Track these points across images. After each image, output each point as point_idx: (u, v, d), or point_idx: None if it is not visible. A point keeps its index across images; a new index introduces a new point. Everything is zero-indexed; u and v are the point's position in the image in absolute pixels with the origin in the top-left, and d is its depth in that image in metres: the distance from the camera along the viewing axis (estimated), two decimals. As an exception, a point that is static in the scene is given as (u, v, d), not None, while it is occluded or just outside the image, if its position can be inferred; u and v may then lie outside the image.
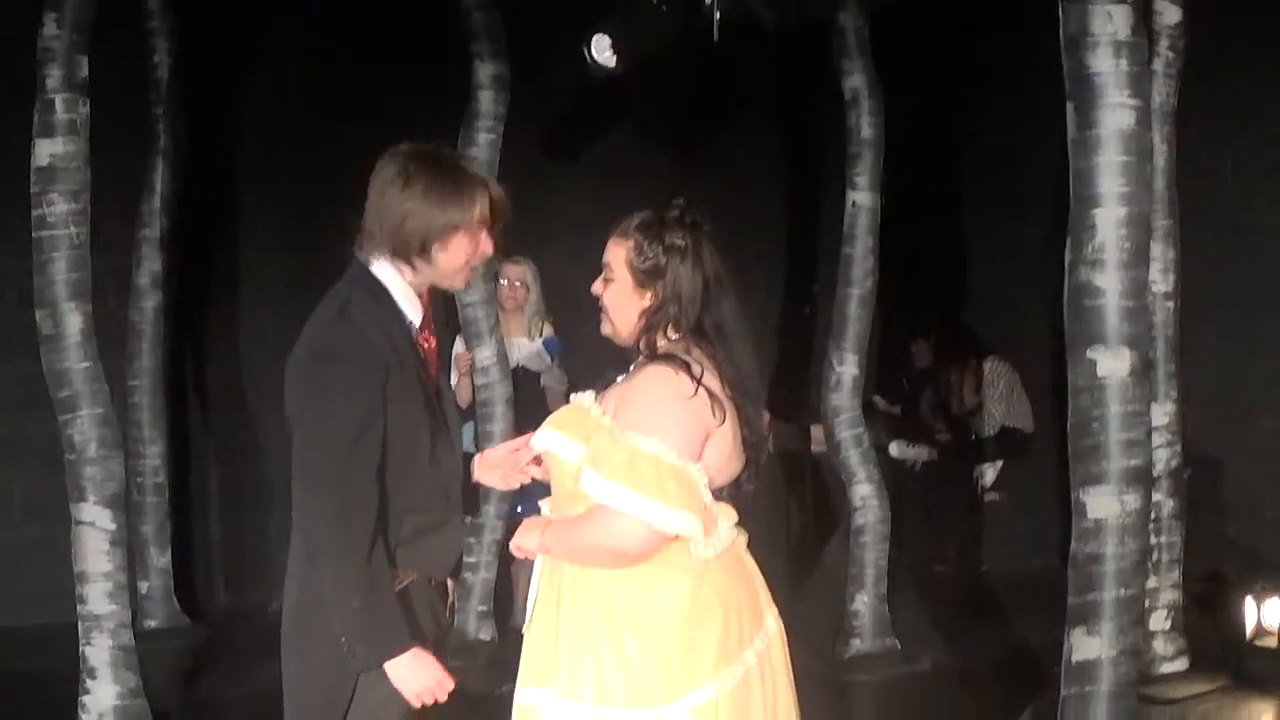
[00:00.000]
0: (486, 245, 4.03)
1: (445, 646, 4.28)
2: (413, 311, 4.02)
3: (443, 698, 3.95)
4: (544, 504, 4.11)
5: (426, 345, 4.08)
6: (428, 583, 4.10)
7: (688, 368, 3.81)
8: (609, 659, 3.79)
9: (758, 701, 3.92)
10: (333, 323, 3.87)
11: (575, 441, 3.86)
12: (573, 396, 4.09)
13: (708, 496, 3.85)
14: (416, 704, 3.92)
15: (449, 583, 4.30)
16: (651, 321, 3.93)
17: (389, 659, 3.83)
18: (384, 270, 3.98)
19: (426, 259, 3.95)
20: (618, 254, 3.96)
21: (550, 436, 3.94)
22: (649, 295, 3.92)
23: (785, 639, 4.09)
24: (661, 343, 3.93)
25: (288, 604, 4.10)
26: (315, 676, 4.01)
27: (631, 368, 3.99)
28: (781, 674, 4.05)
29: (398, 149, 4.01)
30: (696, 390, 3.79)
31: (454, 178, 3.97)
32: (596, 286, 4.02)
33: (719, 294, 3.93)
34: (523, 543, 4.01)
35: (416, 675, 3.88)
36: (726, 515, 3.97)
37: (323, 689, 3.98)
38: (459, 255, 3.98)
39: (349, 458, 3.76)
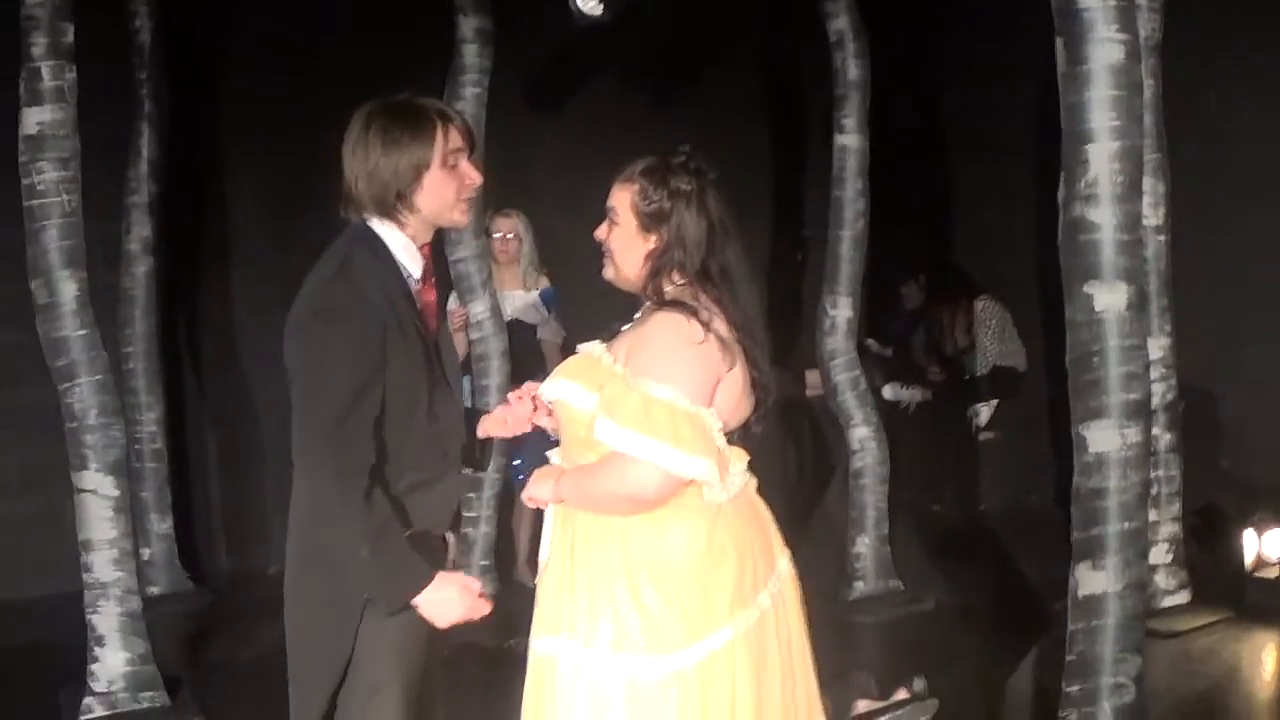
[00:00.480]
0: (471, 173, 4.03)
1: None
2: (413, 265, 4.02)
3: (477, 619, 3.98)
4: (553, 454, 4.13)
5: (427, 299, 4.08)
6: (425, 537, 4.09)
7: (696, 313, 3.84)
8: (626, 605, 3.83)
9: (773, 643, 3.97)
10: (332, 280, 3.87)
11: (588, 390, 3.88)
12: (580, 346, 4.10)
13: (721, 440, 3.89)
14: (446, 625, 3.95)
15: (449, 538, 4.31)
16: (657, 265, 3.96)
17: (414, 595, 3.86)
18: (381, 226, 3.99)
19: (409, 207, 3.96)
20: (622, 198, 3.99)
21: (562, 386, 3.96)
22: (653, 239, 3.95)
23: (797, 581, 4.14)
24: (668, 288, 3.96)
25: (289, 564, 4.12)
26: (315, 635, 4.04)
27: (637, 315, 4.01)
28: (795, 615, 4.10)
29: (364, 105, 4.01)
30: (706, 335, 3.81)
31: (407, 118, 3.95)
32: (600, 231, 4.04)
33: (724, 239, 3.97)
34: (535, 493, 4.03)
35: (449, 603, 3.91)
36: (738, 458, 4.01)
37: (323, 646, 4.00)
38: (442, 193, 3.98)
39: (348, 416, 3.76)
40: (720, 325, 3.88)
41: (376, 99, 4.02)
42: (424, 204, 3.96)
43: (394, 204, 3.94)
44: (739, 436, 4.06)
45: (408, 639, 4.01)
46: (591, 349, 4.02)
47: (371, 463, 3.81)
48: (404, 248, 4.00)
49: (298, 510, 4.04)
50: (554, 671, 3.91)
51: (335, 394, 3.77)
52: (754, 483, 4.10)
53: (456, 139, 3.98)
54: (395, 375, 3.86)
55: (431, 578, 3.88)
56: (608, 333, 4.08)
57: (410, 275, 4.02)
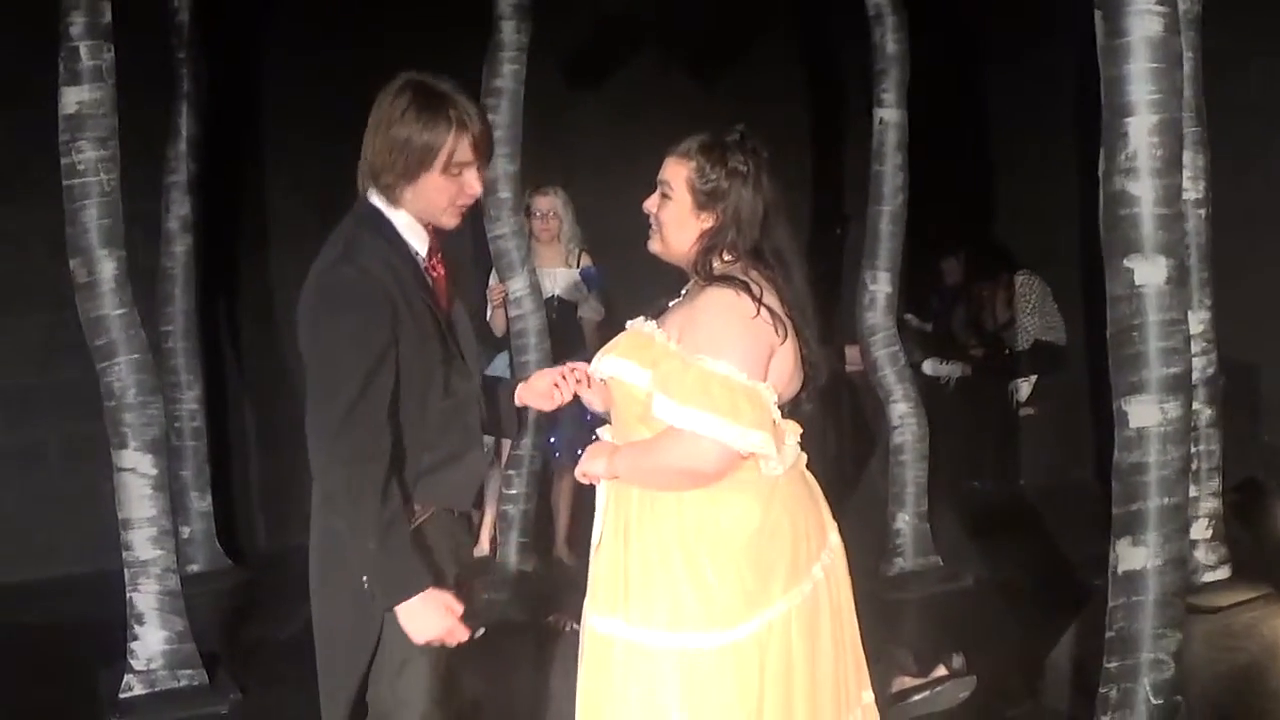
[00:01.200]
0: (472, 185, 3.98)
1: (469, 580, 4.31)
2: (418, 242, 4.00)
3: (451, 643, 3.96)
4: (604, 431, 4.14)
5: (435, 274, 4.06)
6: (450, 515, 4.11)
7: (748, 288, 3.86)
8: (683, 582, 3.86)
9: (825, 614, 4.02)
10: (337, 264, 3.86)
11: (641, 367, 3.89)
12: (630, 323, 4.10)
13: (776, 414, 3.92)
14: (423, 644, 3.92)
15: (485, 516, 4.31)
16: (710, 244, 3.98)
17: (401, 602, 3.85)
18: (382, 201, 3.97)
19: (394, 199, 3.94)
20: (678, 173, 4.00)
21: (615, 363, 3.97)
22: (708, 217, 3.97)
23: (844, 554, 4.18)
24: (717, 265, 3.97)
25: (313, 548, 4.13)
26: (340, 621, 4.05)
27: (684, 291, 4.02)
28: (844, 587, 4.16)
29: (403, 75, 3.98)
30: (759, 310, 3.84)
31: (427, 111, 3.89)
32: (650, 203, 4.06)
33: (776, 220, 4.00)
34: (590, 469, 4.05)
35: (426, 621, 3.89)
36: (792, 432, 4.05)
37: (349, 633, 4.02)
38: (432, 197, 3.94)
39: (359, 402, 3.76)
40: (771, 299, 3.90)
41: (418, 73, 3.98)
42: (411, 201, 3.95)
43: (387, 186, 3.93)
44: (790, 411, 4.08)
45: None
46: (642, 326, 4.02)
47: (386, 448, 3.81)
48: (408, 226, 3.99)
49: (317, 500, 4.05)
50: (611, 650, 3.94)
51: (347, 379, 3.77)
52: (804, 458, 4.13)
53: (465, 151, 3.91)
54: (408, 354, 3.86)
55: (426, 588, 3.86)
56: (654, 309, 4.08)
57: (417, 253, 4.01)
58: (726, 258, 3.98)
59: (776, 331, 3.87)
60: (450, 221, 4.04)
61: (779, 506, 3.92)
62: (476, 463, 4.19)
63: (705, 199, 3.96)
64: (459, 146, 3.90)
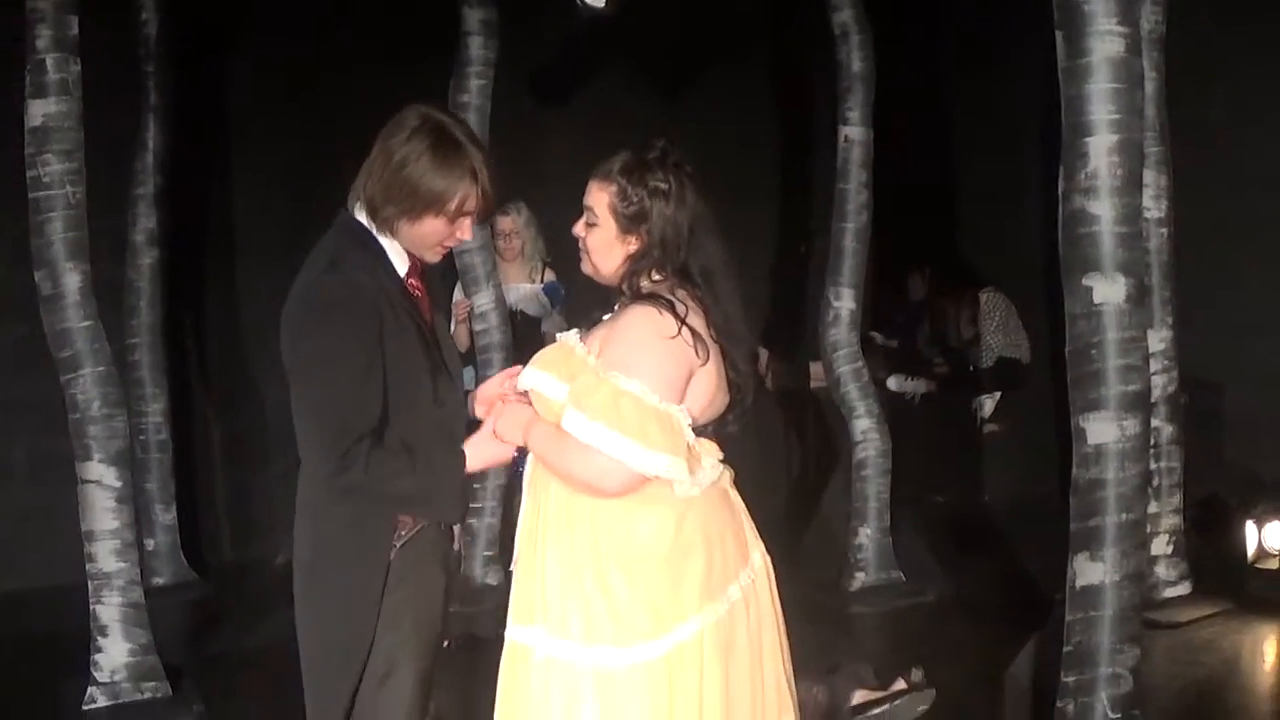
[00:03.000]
0: (464, 232, 4.01)
1: (454, 591, 4.31)
2: (399, 260, 4.01)
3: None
4: None
5: (417, 291, 4.07)
6: (437, 528, 4.11)
7: (672, 307, 3.82)
8: (595, 597, 3.81)
9: (742, 636, 3.94)
10: (324, 274, 3.86)
11: (560, 380, 3.86)
12: (559, 335, 4.09)
13: (690, 436, 3.86)
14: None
15: (454, 528, 4.32)
16: (636, 266, 3.94)
17: (465, 473, 3.99)
18: (370, 220, 3.99)
19: (390, 228, 3.94)
20: (600, 198, 3.96)
21: (535, 375, 3.94)
22: (633, 240, 3.93)
23: (773, 575, 4.11)
24: (645, 284, 3.94)
25: (298, 559, 4.09)
26: (330, 630, 4.01)
27: (616, 307, 3.99)
28: (768, 610, 4.07)
29: (419, 109, 3.96)
30: (680, 330, 3.79)
31: (449, 158, 3.89)
32: (578, 228, 4.01)
33: (704, 235, 3.94)
34: (503, 431, 3.99)
35: (486, 455, 4.04)
36: (709, 452, 3.98)
37: (340, 641, 3.99)
38: (427, 236, 3.96)
39: (351, 403, 3.77)
40: (696, 320, 3.86)
41: (428, 108, 3.97)
42: (405, 233, 3.95)
43: (384, 218, 3.93)
44: (714, 430, 4.04)
45: (421, 625, 4.03)
46: (568, 339, 4.00)
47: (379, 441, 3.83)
48: (392, 246, 4.00)
49: (305, 507, 4.03)
50: (527, 660, 3.88)
51: (337, 382, 3.78)
52: (729, 475, 4.07)
53: (472, 203, 3.93)
54: (395, 364, 3.86)
55: (463, 460, 3.98)
56: (588, 322, 4.07)
57: (398, 271, 4.02)
58: (656, 276, 3.94)
59: (697, 353, 3.82)
60: (433, 258, 4.07)
61: (693, 524, 3.86)
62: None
63: (629, 222, 3.91)
64: (468, 199, 3.92)
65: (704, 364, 3.86)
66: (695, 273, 3.93)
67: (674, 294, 3.88)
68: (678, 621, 3.82)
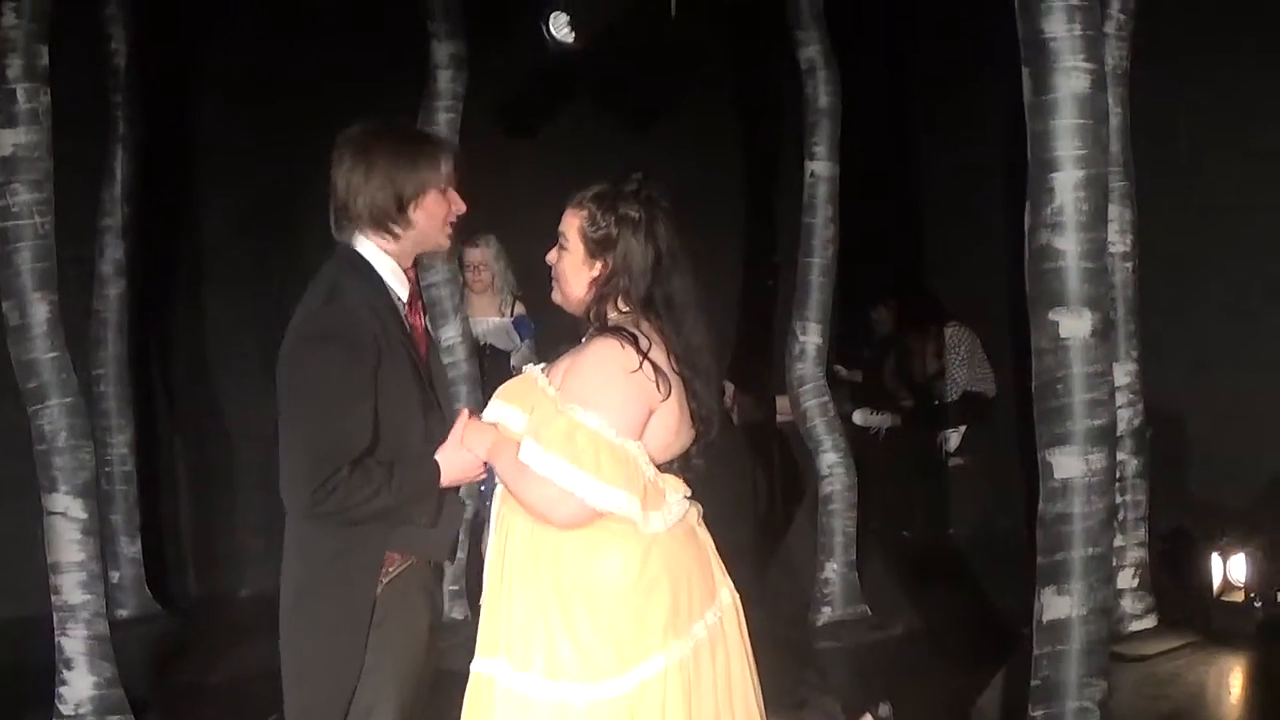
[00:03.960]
0: (458, 201, 4.12)
1: (439, 629, 4.31)
2: (400, 288, 4.07)
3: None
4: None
5: (414, 323, 4.12)
6: (426, 565, 4.13)
7: (635, 341, 3.83)
8: (559, 632, 3.80)
9: (708, 674, 3.94)
10: (323, 306, 3.91)
11: (522, 412, 3.88)
12: (524, 368, 4.11)
13: (650, 472, 3.87)
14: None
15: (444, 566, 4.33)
16: (601, 292, 3.95)
17: (439, 483, 3.97)
18: (368, 247, 4.03)
19: (406, 223, 4.01)
20: (571, 223, 3.99)
21: (499, 409, 3.96)
22: (599, 265, 3.95)
23: (741, 612, 4.11)
24: (612, 315, 3.95)
25: (286, 591, 4.09)
26: (320, 663, 4.02)
27: (584, 339, 4.00)
28: (737, 647, 4.06)
29: (350, 130, 4.07)
30: (641, 364, 3.80)
31: (416, 141, 4.12)
32: (551, 255, 4.05)
33: (670, 268, 3.95)
34: (471, 442, 3.98)
35: (462, 472, 4.01)
36: (674, 488, 3.97)
37: (328, 671, 3.99)
38: (436, 214, 4.06)
39: (338, 434, 3.79)
40: (659, 355, 3.87)
41: (357, 125, 4.07)
42: (420, 220, 4.03)
43: (393, 217, 3.99)
44: (679, 465, 4.04)
45: (404, 661, 4.04)
46: (532, 371, 4.01)
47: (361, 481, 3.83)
48: (391, 271, 4.05)
49: (293, 542, 4.04)
50: (491, 692, 3.88)
51: (323, 416, 3.80)
52: (695, 511, 4.07)
53: (451, 169, 4.08)
54: (389, 398, 3.89)
55: (437, 472, 3.96)
56: (555, 354, 4.07)
57: (399, 298, 4.06)
58: (623, 308, 3.95)
59: (659, 388, 3.83)
60: (446, 241, 4.17)
61: (658, 561, 3.85)
62: (453, 513, 4.21)
63: (595, 247, 3.93)
64: (446, 166, 4.06)
65: (665, 399, 3.86)
66: (659, 303, 3.94)
67: (638, 327, 3.89)
68: (641, 659, 3.81)
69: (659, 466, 3.92)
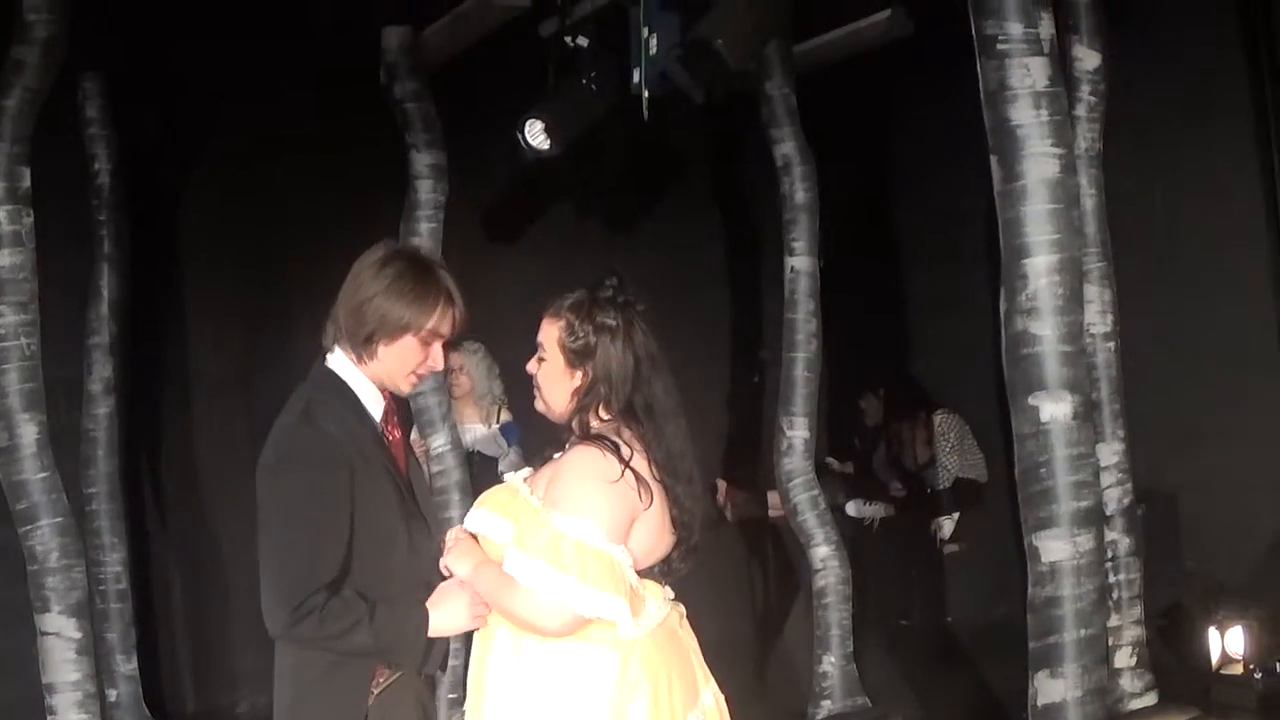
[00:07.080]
0: (436, 359, 4.08)
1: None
2: (374, 406, 4.07)
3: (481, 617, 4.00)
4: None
5: (392, 438, 4.12)
6: (416, 676, 4.12)
7: (616, 449, 3.85)
8: None
9: None
10: (295, 427, 3.91)
11: (505, 520, 3.91)
12: (506, 476, 4.14)
13: (633, 578, 3.88)
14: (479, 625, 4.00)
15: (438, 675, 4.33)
16: (583, 402, 3.97)
17: (428, 633, 3.94)
18: (343, 365, 4.04)
19: (371, 353, 4.00)
20: (550, 333, 4.01)
21: (481, 517, 3.98)
22: (579, 375, 3.97)
23: (725, 713, 4.11)
24: (594, 423, 3.97)
25: (279, 704, 4.08)
26: None
27: (567, 446, 4.03)
28: None
29: (388, 241, 4.10)
30: (623, 472, 3.82)
31: (423, 280, 4.01)
32: (531, 365, 4.07)
33: (650, 373, 3.98)
34: (454, 565, 4.00)
35: (452, 614, 3.97)
36: (654, 594, 3.99)
37: None
38: (405, 358, 4.03)
39: (312, 555, 3.79)
40: (640, 462, 3.88)
41: (394, 242, 4.10)
42: (384, 358, 4.01)
43: (359, 340, 3.98)
44: (660, 571, 4.05)
45: None
46: (514, 479, 4.04)
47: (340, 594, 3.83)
48: (366, 390, 4.05)
49: (285, 653, 4.02)
50: None
51: (297, 537, 3.81)
52: (677, 614, 4.09)
53: (447, 326, 4.04)
54: (367, 516, 3.89)
55: (426, 619, 3.94)
56: (539, 460, 4.10)
57: (373, 417, 4.06)
58: (604, 415, 3.97)
59: (641, 497, 3.84)
60: (407, 387, 4.13)
61: (637, 666, 3.85)
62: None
63: (575, 357, 3.95)
64: (443, 321, 4.02)
65: (648, 507, 3.88)
66: (640, 409, 3.95)
67: (620, 435, 3.91)
68: None
69: (639, 573, 3.93)
